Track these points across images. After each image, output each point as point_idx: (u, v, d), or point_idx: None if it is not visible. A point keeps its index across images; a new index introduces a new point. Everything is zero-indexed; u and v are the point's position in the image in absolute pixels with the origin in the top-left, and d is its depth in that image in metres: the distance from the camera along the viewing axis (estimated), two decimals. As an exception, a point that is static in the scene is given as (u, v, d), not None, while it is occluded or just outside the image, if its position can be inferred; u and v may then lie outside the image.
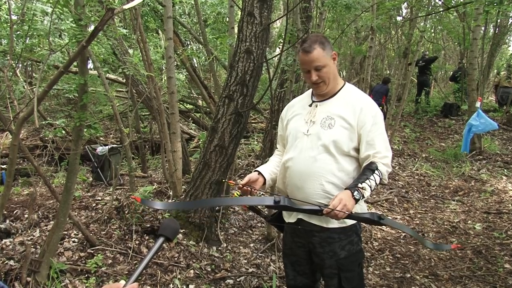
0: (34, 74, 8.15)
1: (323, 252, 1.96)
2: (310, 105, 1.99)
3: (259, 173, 2.04)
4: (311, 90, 2.08)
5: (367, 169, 1.80)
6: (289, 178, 1.96)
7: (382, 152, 1.83)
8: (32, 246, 3.19)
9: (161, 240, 1.23)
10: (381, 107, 10.57)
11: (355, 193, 1.71)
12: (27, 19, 2.95)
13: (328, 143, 1.85)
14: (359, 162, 1.91)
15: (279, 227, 2.24)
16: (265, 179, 2.03)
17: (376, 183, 1.78)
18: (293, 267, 2.14)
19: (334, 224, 1.90)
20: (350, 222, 1.92)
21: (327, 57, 1.87)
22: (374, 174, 1.78)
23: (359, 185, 1.74)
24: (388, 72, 15.49)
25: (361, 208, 1.98)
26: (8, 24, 2.57)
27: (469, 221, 4.83)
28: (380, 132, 1.86)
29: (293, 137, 1.98)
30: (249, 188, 1.96)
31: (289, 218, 2.05)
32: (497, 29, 10.74)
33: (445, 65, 15.58)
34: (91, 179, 5.65)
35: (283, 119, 2.13)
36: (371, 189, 1.77)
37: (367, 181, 1.75)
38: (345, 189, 1.76)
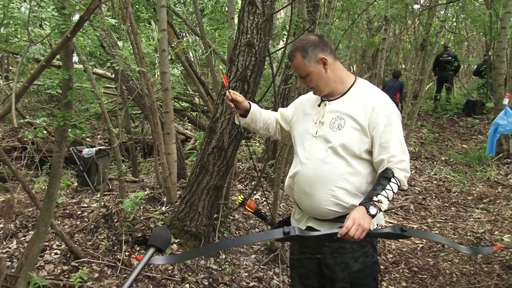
0: (11, 68, 8.17)
1: (334, 264, 1.95)
2: (319, 105, 2.01)
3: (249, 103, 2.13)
4: None
5: (382, 178, 1.78)
6: (297, 183, 1.97)
7: (398, 155, 1.81)
8: (8, 260, 3.18)
9: (151, 251, 1.24)
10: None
11: (370, 208, 1.69)
12: (1, 5, 2.94)
13: (336, 146, 1.85)
14: (373, 165, 1.89)
15: None
16: (250, 108, 2.13)
17: (394, 192, 1.76)
18: (301, 280, 2.13)
19: None
20: None
21: (309, 65, 1.89)
22: (391, 183, 1.75)
23: (374, 198, 1.72)
24: (404, 66, 15.47)
25: (378, 217, 1.98)
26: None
27: (496, 232, 4.79)
28: (394, 134, 1.84)
29: (301, 139, 2.00)
30: (230, 103, 2.06)
31: (298, 226, 2.05)
32: (531, 16, 10.65)
33: (468, 58, 15.50)
34: (76, 184, 5.66)
35: (295, 110, 2.16)
36: (388, 200, 1.75)
37: (383, 192, 1.73)
38: (359, 204, 1.74)
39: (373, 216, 1.69)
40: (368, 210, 1.68)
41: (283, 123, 2.23)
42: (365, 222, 1.65)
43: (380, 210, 1.72)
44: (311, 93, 2.16)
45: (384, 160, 1.81)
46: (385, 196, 1.73)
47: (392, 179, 1.76)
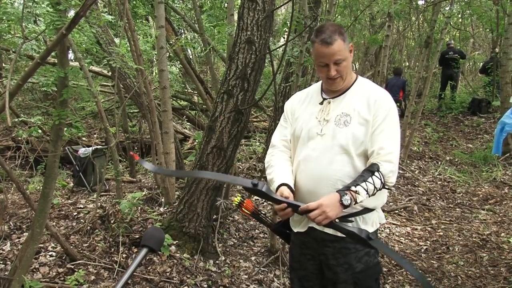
0: (4, 65, 8.17)
1: (337, 265, 1.96)
2: (321, 103, 2.01)
3: (286, 185, 1.95)
4: (319, 85, 2.10)
5: (366, 170, 1.81)
6: (300, 181, 1.97)
7: (386, 148, 1.83)
8: (1, 262, 3.18)
9: (144, 251, 1.26)
10: (398, 104, 10.56)
11: (345, 197, 1.71)
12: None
13: (345, 143, 1.87)
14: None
15: (285, 237, 2.25)
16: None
17: (375, 187, 1.77)
18: (301, 283, 2.14)
19: None
20: (369, 230, 1.91)
21: (347, 49, 1.90)
22: (374, 177, 1.77)
23: (352, 188, 1.74)
24: (407, 64, 15.47)
25: (379, 216, 1.99)
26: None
27: (502, 234, 4.79)
28: (389, 127, 1.86)
29: (305, 138, 1.99)
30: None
31: (298, 227, 2.06)
32: (539, 11, 10.60)
33: (474, 55, 15.49)
34: (72, 184, 5.66)
35: (292, 114, 2.11)
36: (368, 194, 1.76)
37: (363, 184, 1.75)
38: (336, 191, 1.76)
39: (344, 206, 1.71)
40: (341, 198, 1.71)
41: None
42: (331, 210, 1.69)
43: (355, 202, 1.74)
44: (305, 91, 2.17)
45: (374, 152, 1.84)
46: (364, 188, 1.74)
47: (376, 173, 1.77)
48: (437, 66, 10.62)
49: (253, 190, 1.79)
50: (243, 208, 2.10)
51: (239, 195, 2.13)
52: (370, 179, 1.76)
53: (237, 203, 2.09)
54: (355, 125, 1.87)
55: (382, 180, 1.79)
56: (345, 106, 1.93)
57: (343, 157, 1.87)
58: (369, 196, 1.78)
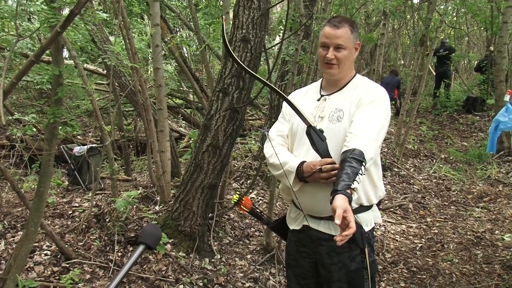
0: (-3, 63, 8.13)
1: (331, 264, 1.97)
2: (318, 100, 2.02)
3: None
4: (319, 83, 2.12)
5: (355, 160, 1.68)
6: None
7: (365, 130, 1.79)
8: (-4, 261, 3.17)
9: (141, 248, 1.26)
10: (393, 102, 10.60)
11: (351, 197, 1.62)
12: (-13, -2, 2.93)
13: (338, 139, 1.87)
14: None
15: (282, 234, 2.25)
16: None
17: (362, 175, 1.70)
18: (297, 280, 2.15)
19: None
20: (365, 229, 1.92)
21: (351, 41, 1.94)
22: (362, 166, 1.69)
23: (352, 186, 1.63)
24: (403, 62, 15.50)
25: (375, 216, 2.00)
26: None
27: (497, 231, 4.83)
28: (371, 112, 1.84)
29: (300, 136, 2.00)
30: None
31: (294, 224, 2.07)
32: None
33: (468, 54, 15.55)
34: (67, 183, 5.64)
35: (290, 110, 2.08)
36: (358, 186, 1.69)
37: (358, 178, 1.65)
38: (337, 190, 1.61)
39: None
40: (350, 200, 1.60)
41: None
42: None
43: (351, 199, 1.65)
44: (303, 89, 2.19)
45: (352, 133, 1.80)
46: (358, 182, 1.66)
47: (364, 163, 1.69)
48: (432, 64, 10.69)
49: None
50: (241, 206, 2.11)
51: (238, 193, 2.13)
52: (360, 171, 1.67)
53: (235, 200, 2.11)
54: (347, 121, 1.88)
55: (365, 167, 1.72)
56: (339, 102, 1.95)
57: (338, 154, 1.86)
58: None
